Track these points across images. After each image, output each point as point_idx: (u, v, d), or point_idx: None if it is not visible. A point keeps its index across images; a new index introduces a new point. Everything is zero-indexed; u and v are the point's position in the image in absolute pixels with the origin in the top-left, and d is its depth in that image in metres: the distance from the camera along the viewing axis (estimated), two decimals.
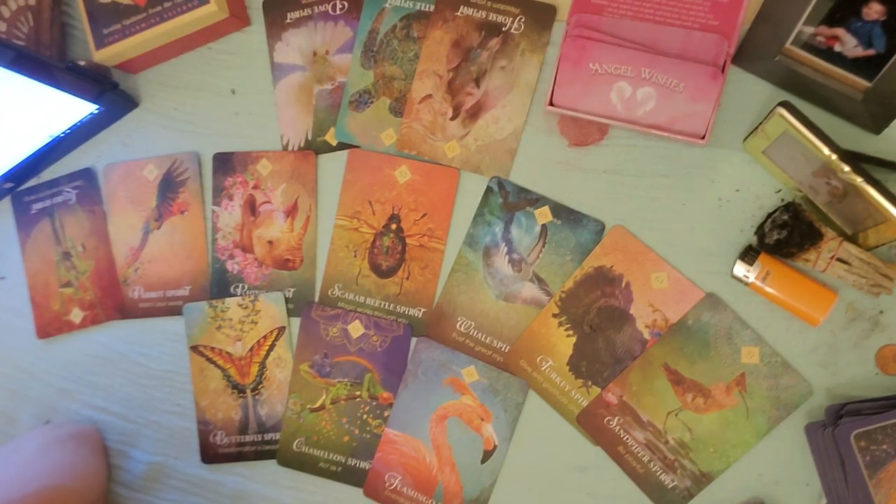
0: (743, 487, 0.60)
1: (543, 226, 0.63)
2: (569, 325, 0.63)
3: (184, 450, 0.70)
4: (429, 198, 0.66)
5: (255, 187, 0.69)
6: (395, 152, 0.66)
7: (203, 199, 0.70)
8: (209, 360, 0.69)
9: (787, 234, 0.57)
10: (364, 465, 0.66)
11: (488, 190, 0.65)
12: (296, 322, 0.68)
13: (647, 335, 0.62)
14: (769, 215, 0.59)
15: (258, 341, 0.68)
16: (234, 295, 0.69)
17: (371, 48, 0.67)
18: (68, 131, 0.69)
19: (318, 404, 0.67)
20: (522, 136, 0.64)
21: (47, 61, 0.60)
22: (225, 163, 0.69)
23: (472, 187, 0.65)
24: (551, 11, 0.63)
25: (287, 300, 0.68)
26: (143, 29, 0.65)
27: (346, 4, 0.67)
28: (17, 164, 0.70)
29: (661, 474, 0.61)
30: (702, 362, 0.60)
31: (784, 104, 0.54)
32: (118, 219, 0.71)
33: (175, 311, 0.70)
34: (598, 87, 0.60)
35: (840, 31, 0.55)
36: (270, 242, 0.68)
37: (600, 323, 0.62)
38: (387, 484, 0.66)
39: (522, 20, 0.64)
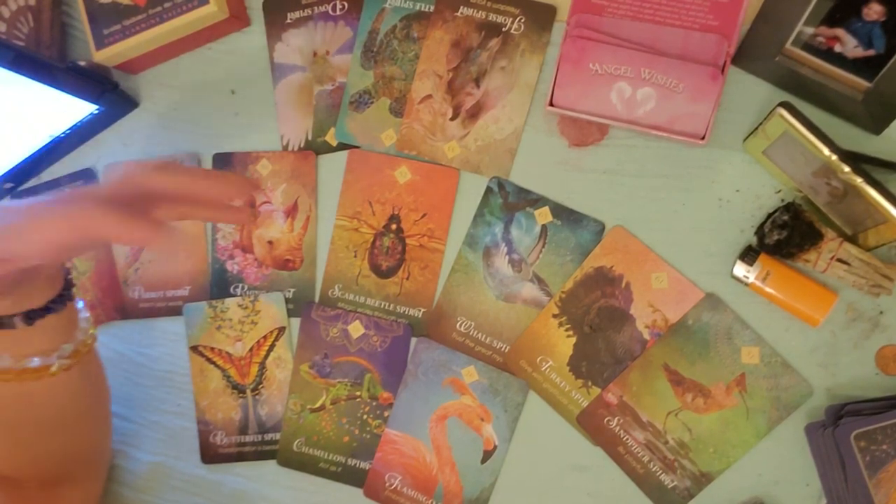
0: (743, 487, 0.60)
1: (543, 226, 0.63)
2: (569, 326, 0.63)
3: (184, 450, 0.70)
4: (429, 198, 0.66)
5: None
6: (395, 152, 0.66)
7: None
8: (209, 360, 0.69)
9: (787, 235, 0.57)
10: (364, 465, 0.66)
11: (488, 190, 0.65)
12: (296, 322, 0.68)
13: (647, 335, 0.62)
14: (769, 215, 0.59)
15: (258, 341, 0.68)
16: (234, 295, 0.69)
17: (371, 48, 0.67)
18: (68, 131, 0.69)
19: (318, 404, 0.67)
20: (522, 137, 0.64)
21: (47, 61, 0.60)
22: (225, 163, 0.69)
23: (472, 187, 0.65)
24: (551, 12, 0.63)
25: (287, 300, 0.68)
26: (143, 29, 0.65)
27: (346, 5, 0.67)
28: (17, 164, 0.70)
29: (661, 474, 0.61)
30: (702, 362, 0.60)
31: (784, 104, 0.54)
32: None
33: (175, 311, 0.70)
34: (598, 87, 0.60)
35: (840, 32, 0.55)
36: (270, 243, 0.68)
37: (600, 323, 0.62)
38: (387, 484, 0.66)
39: (522, 20, 0.64)
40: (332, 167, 0.68)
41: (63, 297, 0.52)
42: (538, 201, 0.64)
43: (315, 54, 0.68)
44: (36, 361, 0.52)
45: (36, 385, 0.53)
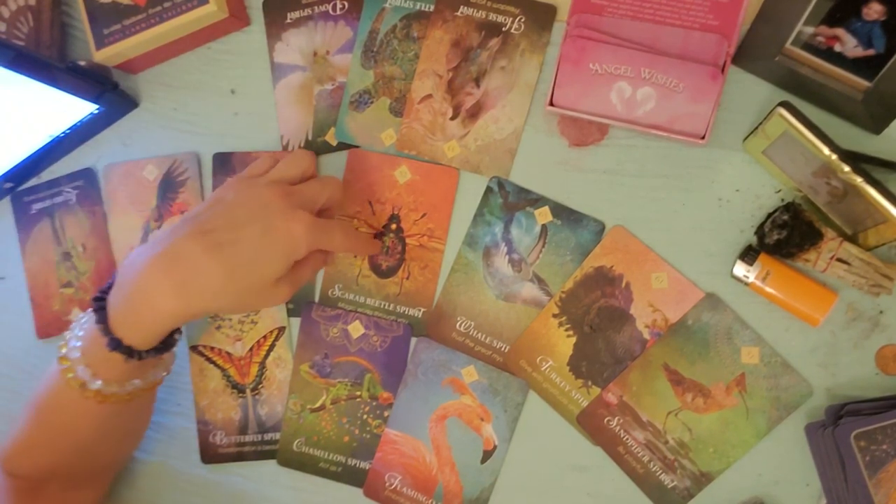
0: (743, 487, 0.60)
1: (543, 226, 0.63)
2: (569, 326, 0.63)
3: (184, 450, 0.70)
4: (429, 198, 0.66)
5: None
6: (395, 152, 0.66)
7: (203, 199, 0.70)
8: (209, 359, 0.69)
9: (787, 234, 0.57)
10: (364, 465, 0.66)
11: (488, 190, 0.65)
12: (296, 322, 0.68)
13: (647, 335, 0.62)
14: (769, 215, 0.59)
15: (258, 341, 0.68)
16: None
17: (371, 48, 0.67)
18: (68, 131, 0.69)
19: (318, 404, 0.67)
20: (522, 136, 0.64)
21: (47, 61, 0.60)
22: (225, 163, 0.69)
23: (472, 187, 0.65)
24: (551, 11, 0.63)
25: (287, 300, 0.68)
26: (142, 29, 0.65)
27: (346, 4, 0.67)
28: (17, 164, 0.70)
29: (660, 474, 0.61)
30: (702, 362, 0.60)
31: (784, 104, 0.54)
32: (118, 219, 0.71)
33: None
34: (598, 87, 0.60)
35: (840, 31, 0.55)
36: None
37: (600, 323, 0.62)
38: (387, 484, 0.66)
39: (522, 20, 0.64)
40: (333, 167, 0.68)
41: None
42: (538, 201, 0.64)
43: (315, 54, 0.68)
44: (161, 374, 0.60)
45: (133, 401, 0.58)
